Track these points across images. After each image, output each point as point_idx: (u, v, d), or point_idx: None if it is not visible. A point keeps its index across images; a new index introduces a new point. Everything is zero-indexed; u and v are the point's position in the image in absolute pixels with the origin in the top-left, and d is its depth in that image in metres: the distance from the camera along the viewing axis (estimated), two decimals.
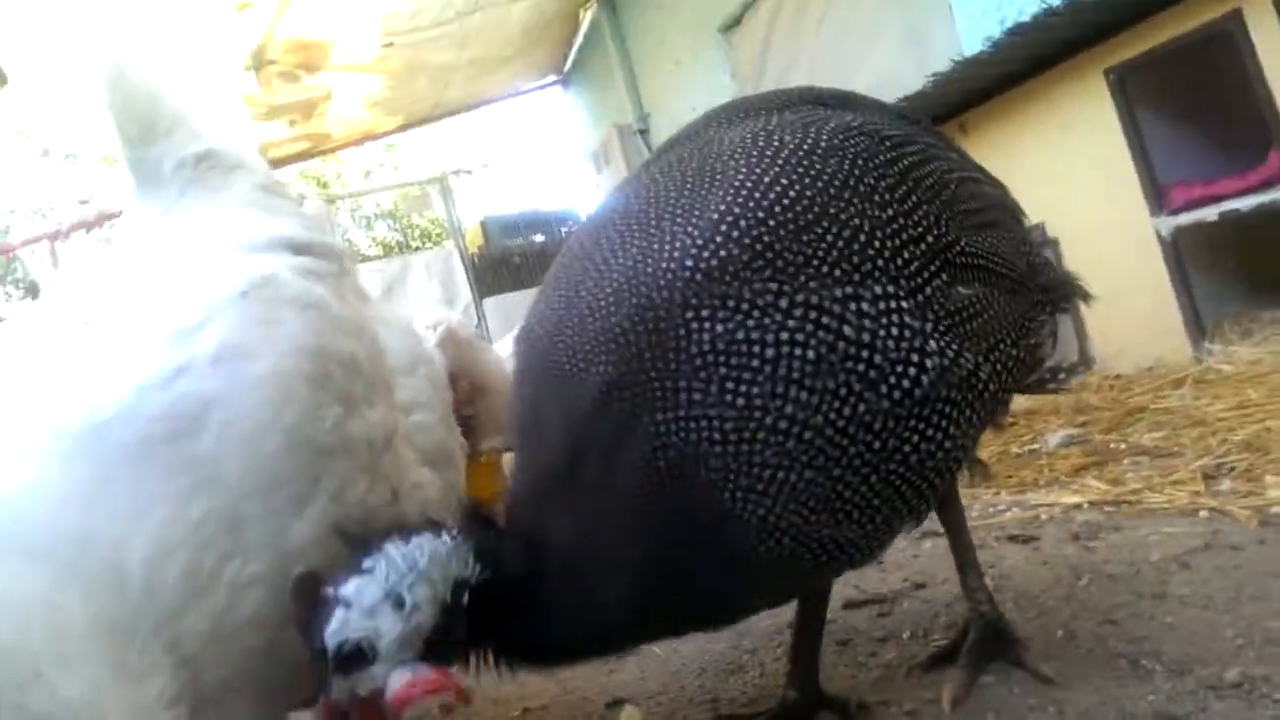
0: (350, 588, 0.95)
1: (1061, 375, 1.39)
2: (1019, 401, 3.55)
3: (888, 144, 1.17)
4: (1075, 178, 3.69)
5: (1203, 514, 1.75)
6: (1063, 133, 3.69)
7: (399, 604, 0.95)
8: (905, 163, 1.17)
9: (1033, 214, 4.39)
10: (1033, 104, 3.80)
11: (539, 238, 8.83)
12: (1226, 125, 3.33)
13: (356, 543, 0.99)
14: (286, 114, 7.37)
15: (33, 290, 8.63)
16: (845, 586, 1.84)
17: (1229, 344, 3.26)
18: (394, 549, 0.98)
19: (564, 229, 8.90)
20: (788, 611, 1.70)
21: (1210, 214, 3.22)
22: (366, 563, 0.96)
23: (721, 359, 0.98)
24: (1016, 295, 1.26)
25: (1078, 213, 3.74)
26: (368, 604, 0.94)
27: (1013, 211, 1.43)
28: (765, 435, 0.98)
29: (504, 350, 2.99)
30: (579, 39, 8.56)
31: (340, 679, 0.93)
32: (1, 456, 0.90)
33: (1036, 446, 2.70)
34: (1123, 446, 2.45)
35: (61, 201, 14.93)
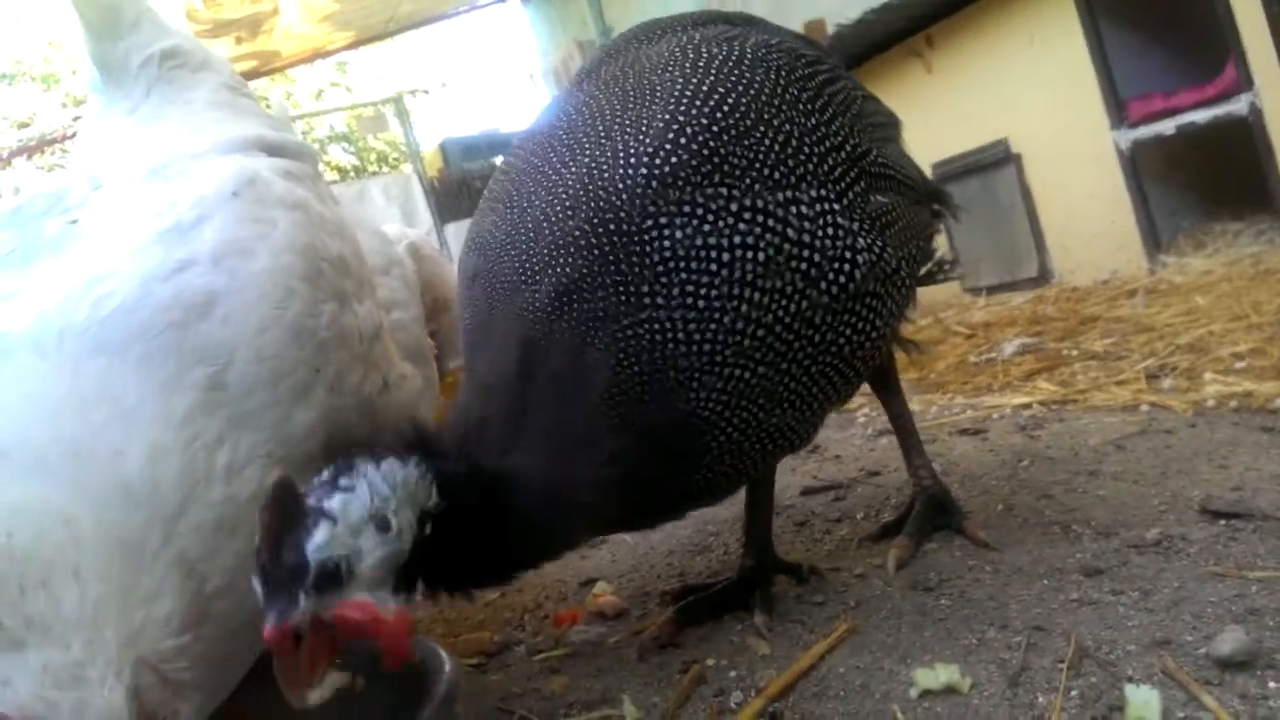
0: (335, 501, 0.88)
1: (947, 266, 1.50)
2: (977, 314, 3.68)
3: (803, 60, 1.22)
4: (1039, 92, 3.72)
5: (1143, 408, 1.86)
6: (1028, 46, 3.71)
7: (384, 526, 0.90)
8: (820, 78, 1.22)
9: (997, 129, 4.40)
10: (999, 16, 3.79)
11: (500, 160, 8.65)
12: (1187, 37, 3.37)
13: (329, 458, 0.95)
14: (232, 30, 7.06)
15: None
16: (804, 477, 1.94)
17: (1182, 256, 3.36)
18: (370, 470, 0.92)
19: None
20: None
21: (1168, 127, 3.28)
22: (344, 479, 0.91)
23: (682, 264, 1.01)
24: (919, 205, 1.36)
25: (1040, 128, 3.79)
26: (355, 520, 0.88)
27: (899, 128, 1.50)
28: (725, 336, 1.03)
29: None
30: None
31: (312, 599, 0.85)
32: (3, 361, 0.89)
33: (993, 355, 2.79)
34: (1074, 353, 2.55)
35: None
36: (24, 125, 14.13)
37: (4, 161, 10.64)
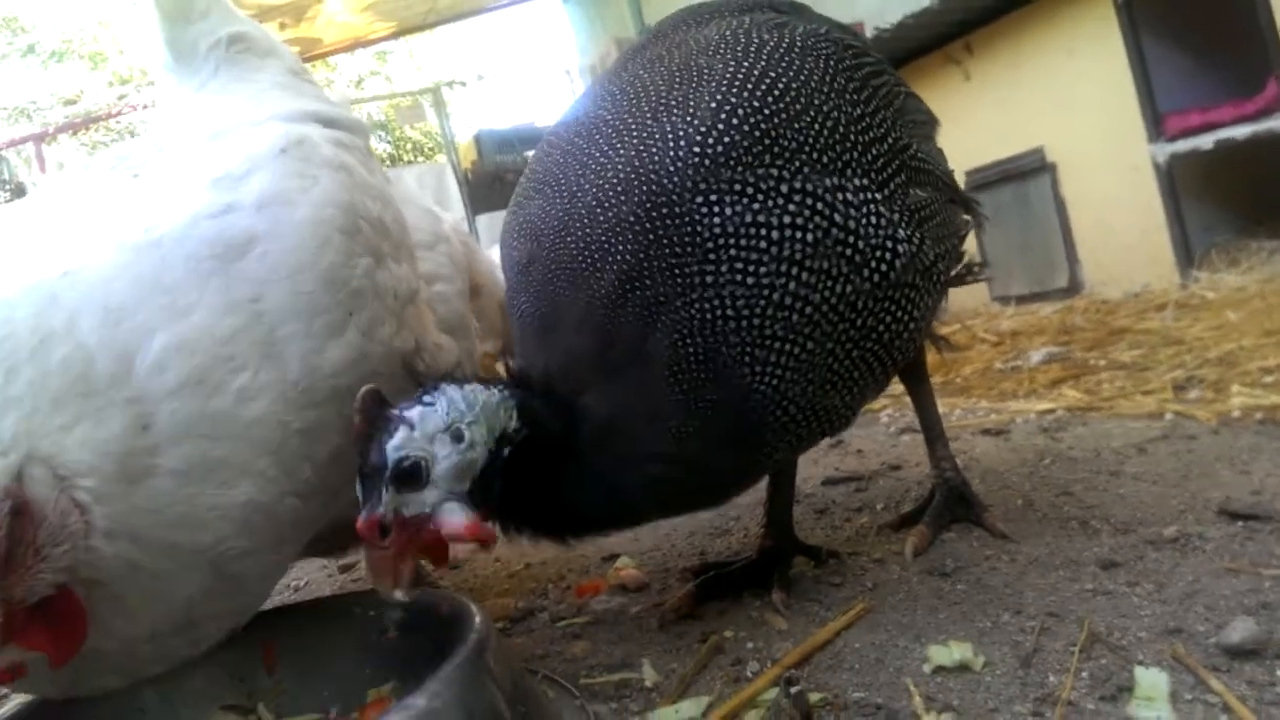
0: (414, 412, 0.99)
1: (976, 269, 1.52)
2: (1005, 323, 3.68)
3: (850, 52, 1.25)
4: (1077, 102, 3.71)
5: (1168, 416, 1.86)
6: (1068, 56, 3.70)
7: (458, 437, 1.00)
8: (865, 70, 1.25)
9: (1033, 138, 4.39)
10: (1039, 26, 3.79)
11: (540, 144, 8.67)
12: (1228, 53, 3.35)
13: (419, 378, 1.07)
14: (276, 16, 7.17)
15: (19, 191, 8.50)
16: (826, 468, 1.97)
17: (1215, 271, 3.34)
18: (452, 389, 1.03)
19: None
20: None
21: (1206, 142, 3.26)
22: (428, 397, 1.02)
23: (732, 240, 1.04)
24: (953, 205, 1.39)
25: (1077, 137, 3.78)
26: (430, 429, 0.99)
27: (937, 128, 1.52)
28: (774, 311, 1.05)
29: (496, 257, 3.05)
30: None
31: (391, 494, 0.96)
32: (69, 256, 0.99)
33: (1019, 363, 2.80)
34: (1101, 363, 2.55)
35: (47, 102, 14.59)
36: (70, 102, 14.43)
37: (50, 137, 10.87)
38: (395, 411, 0.99)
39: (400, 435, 0.97)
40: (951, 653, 1.00)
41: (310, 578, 1.95)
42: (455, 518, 0.99)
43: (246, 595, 1.08)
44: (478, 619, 1.00)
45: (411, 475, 0.97)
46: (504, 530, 1.09)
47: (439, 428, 0.99)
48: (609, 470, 1.07)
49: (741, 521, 1.70)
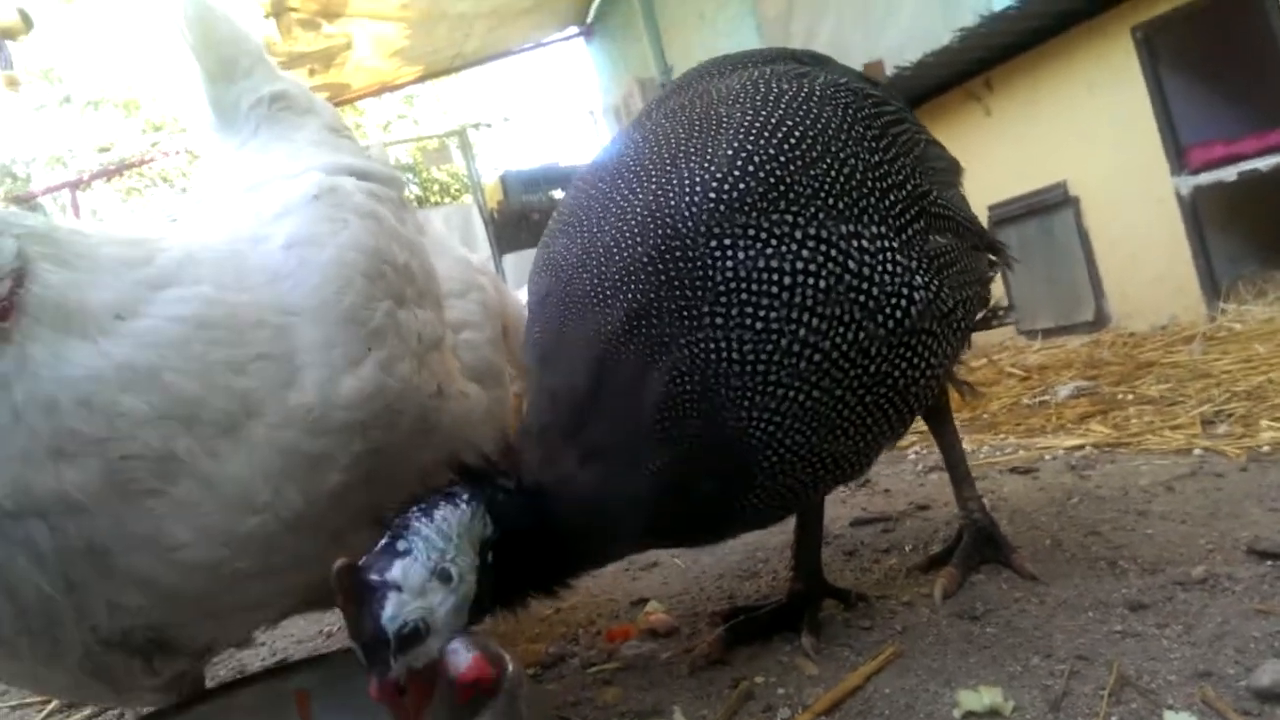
0: (397, 571, 0.95)
1: (1001, 312, 1.53)
2: (1032, 357, 3.66)
3: (870, 101, 1.28)
4: (1098, 136, 3.73)
5: (1196, 452, 1.86)
6: (1088, 90, 3.72)
7: (446, 578, 0.97)
8: (885, 119, 1.27)
9: (1055, 172, 4.40)
10: (1059, 61, 3.82)
11: (559, 194, 8.81)
12: (1249, 85, 3.36)
13: (385, 525, 1.02)
14: (306, 63, 7.36)
15: None
16: (854, 509, 1.98)
17: (1243, 303, 3.32)
18: (423, 526, 0.99)
19: None
20: None
21: (1229, 174, 3.26)
22: (401, 545, 0.97)
23: (743, 284, 1.05)
24: (977, 250, 1.40)
25: (1099, 171, 3.79)
26: (417, 584, 0.94)
27: (960, 174, 1.55)
28: (781, 357, 1.07)
29: (523, 297, 3.10)
30: None
31: (400, 659, 0.93)
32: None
33: (1046, 398, 2.79)
34: (1129, 397, 2.54)
35: (82, 149, 15.03)
36: (105, 150, 14.87)
37: (85, 184, 11.18)
38: (377, 578, 0.94)
39: (392, 604, 0.93)
40: (981, 698, 1.00)
41: (342, 624, 1.97)
42: (462, 659, 0.96)
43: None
44: (509, 666, 1.02)
45: (415, 636, 0.94)
46: (501, 613, 1.08)
47: (426, 577, 0.95)
48: (587, 528, 1.08)
49: (770, 564, 1.71)
